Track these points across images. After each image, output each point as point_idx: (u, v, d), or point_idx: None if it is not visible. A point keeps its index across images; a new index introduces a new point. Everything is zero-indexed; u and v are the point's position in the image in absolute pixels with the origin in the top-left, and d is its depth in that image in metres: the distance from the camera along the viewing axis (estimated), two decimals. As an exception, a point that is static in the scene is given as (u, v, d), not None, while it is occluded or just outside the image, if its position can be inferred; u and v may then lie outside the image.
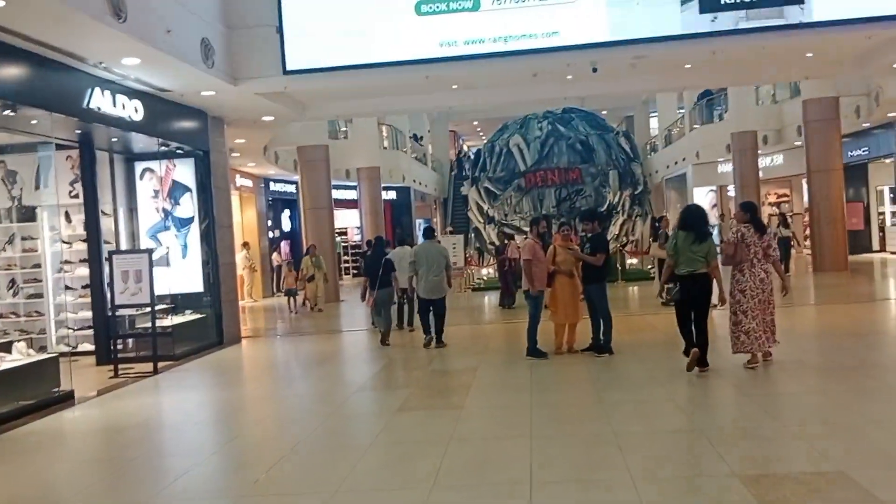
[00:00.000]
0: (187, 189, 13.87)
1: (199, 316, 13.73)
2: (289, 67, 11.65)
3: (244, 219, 25.48)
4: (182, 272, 13.77)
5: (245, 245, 24.36)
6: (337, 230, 33.61)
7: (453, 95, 14.82)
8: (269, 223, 28.63)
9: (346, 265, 32.19)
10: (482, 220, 23.53)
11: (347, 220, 33.68)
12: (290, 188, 27.89)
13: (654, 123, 45.87)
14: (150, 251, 11.54)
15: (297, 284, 19.26)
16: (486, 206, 23.14)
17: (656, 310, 14.50)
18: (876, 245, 27.06)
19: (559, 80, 13.89)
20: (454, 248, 23.00)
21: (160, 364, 11.61)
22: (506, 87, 14.68)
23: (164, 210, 13.78)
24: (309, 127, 21.83)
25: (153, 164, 13.62)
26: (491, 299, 19.21)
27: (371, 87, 13.96)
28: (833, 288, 17.25)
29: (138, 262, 11.23)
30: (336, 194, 31.20)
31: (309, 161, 22.29)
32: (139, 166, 13.78)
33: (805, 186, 32.50)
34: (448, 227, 36.41)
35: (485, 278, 23.74)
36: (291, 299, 19.15)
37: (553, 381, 8.93)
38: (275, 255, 27.69)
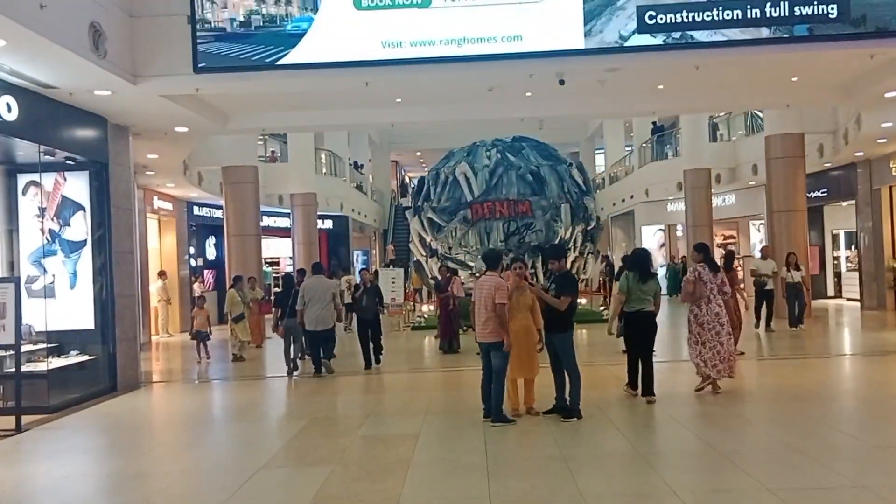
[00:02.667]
0: (80, 207, 11.76)
1: (87, 358, 11.58)
2: (201, 64, 9.74)
3: (162, 245, 23.23)
4: (70, 305, 11.63)
5: (161, 274, 22.14)
6: (268, 259, 31.52)
7: (397, 111, 13.04)
8: (193, 251, 26.35)
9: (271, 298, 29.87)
10: (424, 254, 21.72)
11: (280, 249, 31.59)
12: (217, 213, 25.66)
13: (599, 160, 45.00)
14: (16, 280, 9.41)
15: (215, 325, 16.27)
16: (428, 238, 21.35)
17: (618, 359, 12.81)
18: (831, 291, 26.10)
19: (517, 98, 12.27)
20: (394, 282, 21.15)
21: (29, 418, 9.49)
22: (456, 104, 13.02)
23: (51, 231, 11.65)
24: (236, 146, 19.89)
25: (39, 177, 11.52)
26: (431, 341, 17.39)
27: (303, 95, 12.15)
28: (808, 339, 15.65)
29: (2, 293, 9.10)
30: (268, 221, 29.21)
31: (235, 183, 20.27)
32: (22, 179, 11.64)
33: (751, 229, 31.92)
34: (388, 258, 34.58)
35: (425, 316, 21.91)
36: (201, 345, 15.26)
37: (514, 457, 7.12)
38: (196, 284, 25.42)
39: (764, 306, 16.13)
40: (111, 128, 11.99)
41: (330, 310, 12.46)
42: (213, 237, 27.04)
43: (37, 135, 10.23)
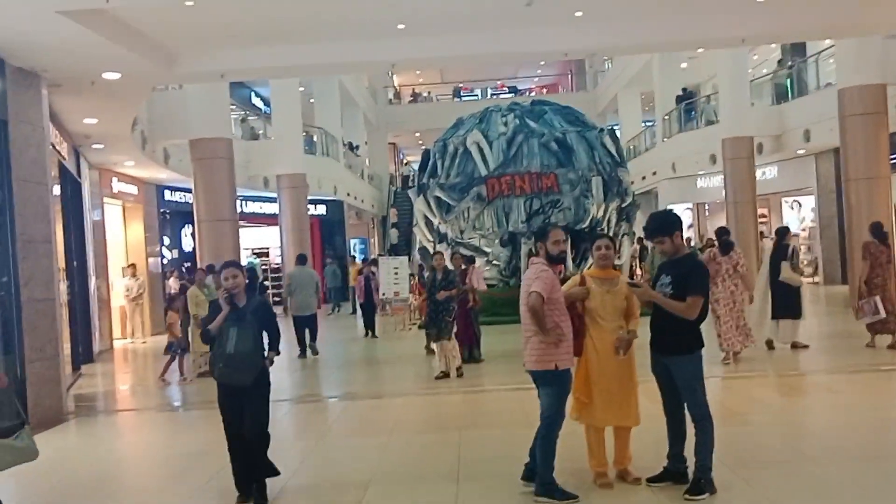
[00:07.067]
0: (-32, 181, 8.58)
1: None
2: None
3: (128, 235, 20.08)
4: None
5: (131, 268, 18.99)
6: (256, 250, 28.35)
7: (399, 44, 9.76)
8: (167, 241, 23.20)
9: (268, 292, 26.62)
10: (432, 239, 18.51)
11: (269, 238, 28.40)
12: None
13: (613, 137, 41.67)
14: None
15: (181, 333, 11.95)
16: (436, 221, 18.14)
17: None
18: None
19: (562, 20, 9.03)
20: (396, 272, 17.99)
21: None
22: (478, 33, 9.73)
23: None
24: (206, 114, 16.67)
25: None
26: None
27: (275, 21, 8.91)
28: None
29: None
30: (253, 207, 26.08)
31: (205, 159, 17.00)
32: None
33: (784, 206, 28.57)
34: (388, 244, 31.49)
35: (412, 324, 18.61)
36: (178, 359, 11.93)
37: None
38: (172, 280, 22.23)
39: None
40: (12, 72, 8.79)
41: (314, 296, 14.19)
42: (190, 226, 23.83)
43: None
